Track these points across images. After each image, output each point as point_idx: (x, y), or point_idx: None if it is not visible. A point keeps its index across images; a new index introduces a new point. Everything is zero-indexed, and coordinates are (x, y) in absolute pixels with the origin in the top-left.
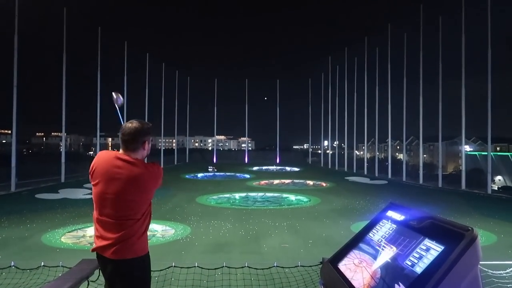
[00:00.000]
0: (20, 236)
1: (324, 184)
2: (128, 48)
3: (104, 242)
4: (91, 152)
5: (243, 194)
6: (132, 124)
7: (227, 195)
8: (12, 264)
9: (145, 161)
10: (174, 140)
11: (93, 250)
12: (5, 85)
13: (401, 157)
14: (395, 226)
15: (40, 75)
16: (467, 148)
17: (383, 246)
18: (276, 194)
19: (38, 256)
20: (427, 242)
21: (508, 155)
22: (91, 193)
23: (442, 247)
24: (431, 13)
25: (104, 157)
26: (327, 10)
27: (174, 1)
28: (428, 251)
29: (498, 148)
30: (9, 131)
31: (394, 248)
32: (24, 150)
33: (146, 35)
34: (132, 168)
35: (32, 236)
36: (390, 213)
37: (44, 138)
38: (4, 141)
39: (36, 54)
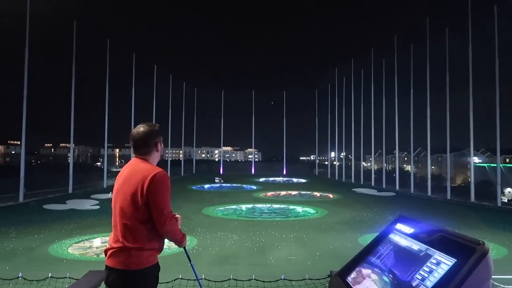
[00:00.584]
0: (27, 247)
1: (331, 196)
2: (136, 60)
3: (107, 247)
4: (99, 163)
5: (250, 206)
6: (140, 128)
7: (234, 207)
8: (20, 275)
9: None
10: (181, 151)
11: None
12: (15, 97)
13: (409, 169)
14: (404, 239)
15: (49, 87)
16: (475, 159)
17: (392, 259)
18: (283, 206)
19: (45, 267)
20: (438, 256)
21: None
22: (98, 204)
23: (453, 261)
24: (438, 25)
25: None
26: (333, 22)
27: (180, 13)
28: (439, 265)
29: (507, 160)
30: (18, 142)
31: (404, 262)
32: (33, 160)
33: (154, 47)
34: (137, 166)
35: (39, 247)
36: (399, 226)
37: (52, 149)
38: (13, 152)
39: (46, 66)
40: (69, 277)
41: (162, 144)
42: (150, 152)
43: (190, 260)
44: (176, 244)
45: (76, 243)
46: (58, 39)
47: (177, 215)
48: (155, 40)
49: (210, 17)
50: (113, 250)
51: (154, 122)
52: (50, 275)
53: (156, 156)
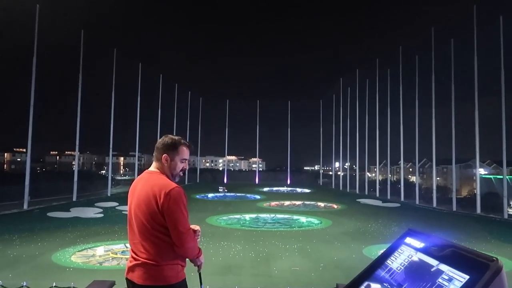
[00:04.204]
0: (31, 255)
1: (335, 206)
2: (142, 69)
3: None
4: (103, 171)
5: (254, 215)
6: (160, 138)
7: (237, 216)
8: (24, 284)
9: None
10: None
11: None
12: (21, 104)
13: (414, 180)
14: (414, 253)
15: (55, 95)
16: (481, 171)
17: (402, 274)
18: (286, 216)
19: (48, 275)
20: (450, 272)
21: None
22: (102, 212)
23: (466, 278)
24: (443, 36)
25: (137, 177)
26: (338, 32)
27: (187, 23)
28: (451, 282)
29: None
30: (24, 150)
31: (414, 277)
32: (38, 168)
33: (160, 56)
34: (150, 179)
35: (43, 254)
36: (408, 240)
37: (57, 157)
38: (19, 159)
39: (53, 74)
40: (73, 287)
41: (177, 162)
42: (157, 161)
43: (201, 284)
44: (192, 262)
45: (79, 251)
46: (65, 48)
47: (195, 227)
48: (161, 49)
49: (215, 28)
50: (136, 264)
51: (158, 131)
52: (54, 284)
53: (163, 168)
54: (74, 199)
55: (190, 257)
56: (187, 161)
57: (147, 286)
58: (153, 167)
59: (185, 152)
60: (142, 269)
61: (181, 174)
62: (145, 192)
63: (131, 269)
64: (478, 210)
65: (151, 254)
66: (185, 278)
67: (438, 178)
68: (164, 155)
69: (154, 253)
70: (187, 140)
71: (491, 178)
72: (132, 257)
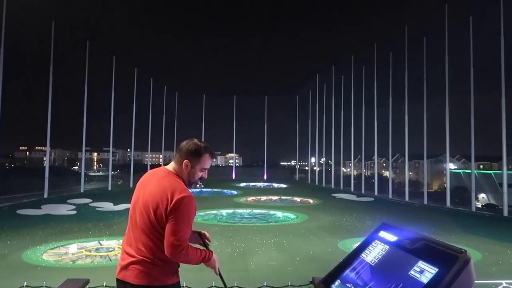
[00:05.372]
0: None
1: (311, 201)
2: (116, 62)
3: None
4: (76, 167)
5: (230, 211)
6: (185, 141)
7: (214, 212)
8: None
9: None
10: (161, 156)
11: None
12: None
13: (387, 175)
14: (387, 247)
15: (25, 87)
16: (451, 166)
17: (376, 267)
18: (263, 211)
19: (18, 274)
20: (421, 264)
21: (491, 173)
22: (75, 209)
23: (436, 269)
24: (416, 34)
25: (151, 170)
26: (314, 29)
27: (162, 16)
28: (422, 274)
29: (481, 166)
30: None
31: (388, 270)
32: (7, 164)
33: (135, 49)
34: (164, 176)
35: (12, 253)
36: (382, 234)
37: (27, 152)
38: None
39: (22, 66)
40: (45, 286)
41: (197, 170)
42: (178, 164)
43: (225, 286)
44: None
45: (51, 249)
46: (36, 39)
47: (204, 232)
48: (136, 42)
49: (192, 23)
50: (132, 261)
51: (133, 125)
52: (25, 283)
53: (182, 171)
54: (45, 195)
55: (189, 263)
56: (207, 171)
57: (142, 286)
58: (171, 167)
59: (207, 161)
60: (139, 267)
61: (198, 182)
62: (158, 192)
63: (124, 267)
64: (448, 204)
65: (149, 253)
66: (179, 281)
67: (410, 173)
68: (185, 160)
69: (154, 252)
70: (163, 135)
71: (460, 172)
72: (127, 253)
